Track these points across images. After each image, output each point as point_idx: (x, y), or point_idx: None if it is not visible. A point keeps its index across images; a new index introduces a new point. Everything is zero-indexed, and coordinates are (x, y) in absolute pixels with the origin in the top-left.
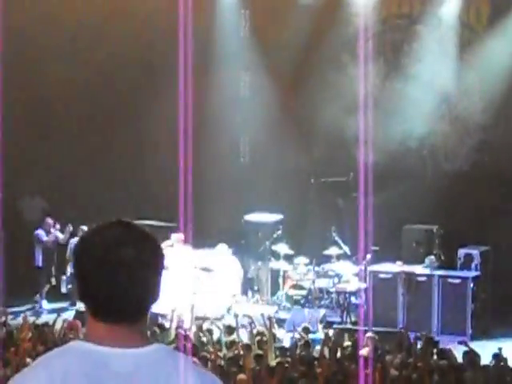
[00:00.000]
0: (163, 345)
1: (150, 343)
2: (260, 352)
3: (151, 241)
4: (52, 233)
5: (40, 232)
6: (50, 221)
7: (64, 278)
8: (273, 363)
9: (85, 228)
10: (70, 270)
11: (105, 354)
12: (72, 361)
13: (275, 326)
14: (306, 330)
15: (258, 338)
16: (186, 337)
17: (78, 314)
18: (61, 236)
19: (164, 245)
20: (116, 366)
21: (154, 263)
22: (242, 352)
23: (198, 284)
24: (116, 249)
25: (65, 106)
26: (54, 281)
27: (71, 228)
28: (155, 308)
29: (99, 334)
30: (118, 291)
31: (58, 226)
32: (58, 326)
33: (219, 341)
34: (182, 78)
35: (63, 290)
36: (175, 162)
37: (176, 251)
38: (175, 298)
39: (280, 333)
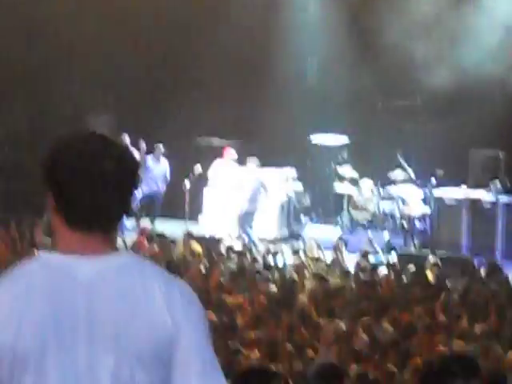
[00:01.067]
0: (132, 253)
1: (117, 251)
2: (322, 274)
3: (129, 154)
4: None
5: None
6: None
7: None
8: (335, 286)
9: None
10: None
11: (69, 263)
12: (36, 271)
13: (343, 249)
14: (366, 255)
15: (322, 262)
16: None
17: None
18: None
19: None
20: (79, 274)
21: (131, 176)
22: (306, 275)
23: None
24: (98, 160)
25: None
26: None
27: None
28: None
29: (71, 244)
30: (100, 200)
31: None
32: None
33: (284, 264)
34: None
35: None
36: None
37: (225, 167)
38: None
39: (344, 256)
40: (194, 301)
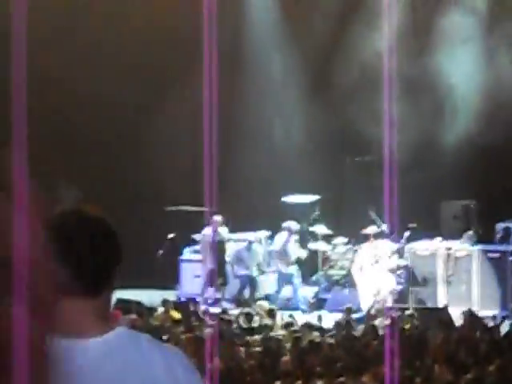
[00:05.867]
0: (124, 327)
1: (111, 328)
2: (299, 334)
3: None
4: None
5: None
6: None
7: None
8: (314, 343)
9: None
10: None
11: (69, 347)
12: None
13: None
14: (349, 311)
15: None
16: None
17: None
18: None
19: None
20: (79, 358)
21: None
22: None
23: None
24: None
25: (91, 92)
26: None
27: None
28: None
29: (66, 323)
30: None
31: None
32: None
33: (261, 326)
34: (207, 62)
35: None
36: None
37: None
38: None
39: (321, 313)
40: (194, 370)
